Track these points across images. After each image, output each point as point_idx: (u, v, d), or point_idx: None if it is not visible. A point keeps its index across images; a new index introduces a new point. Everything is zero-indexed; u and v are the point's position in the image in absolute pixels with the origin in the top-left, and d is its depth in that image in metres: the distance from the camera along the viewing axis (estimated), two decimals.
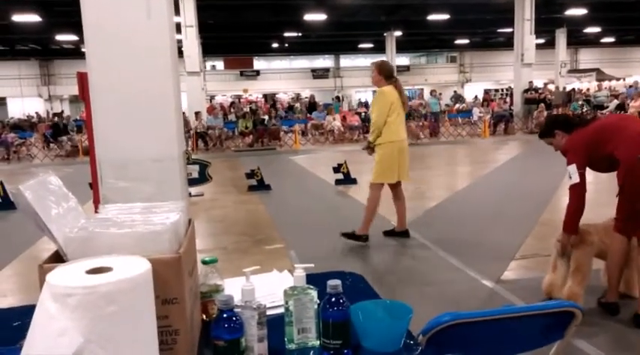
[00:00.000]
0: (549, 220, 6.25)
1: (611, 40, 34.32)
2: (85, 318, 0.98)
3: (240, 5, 20.67)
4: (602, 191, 7.80)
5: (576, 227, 3.62)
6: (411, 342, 1.41)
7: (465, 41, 33.72)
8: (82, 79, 3.69)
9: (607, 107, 20.05)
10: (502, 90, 35.55)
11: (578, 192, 3.54)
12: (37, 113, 29.18)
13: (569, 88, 24.40)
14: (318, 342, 1.38)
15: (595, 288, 3.84)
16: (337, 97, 26.19)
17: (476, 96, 32.36)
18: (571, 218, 3.60)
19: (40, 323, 1.01)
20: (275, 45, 32.68)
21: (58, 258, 1.26)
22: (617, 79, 30.78)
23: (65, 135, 18.03)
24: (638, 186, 3.44)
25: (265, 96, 36.54)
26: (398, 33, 27.73)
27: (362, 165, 7.81)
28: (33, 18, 18.94)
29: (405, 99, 5.62)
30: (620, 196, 3.55)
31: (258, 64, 38.54)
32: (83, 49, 2.93)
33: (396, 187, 5.69)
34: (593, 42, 35.05)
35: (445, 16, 23.01)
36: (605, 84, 28.45)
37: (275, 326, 1.41)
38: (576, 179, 3.52)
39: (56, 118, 20.61)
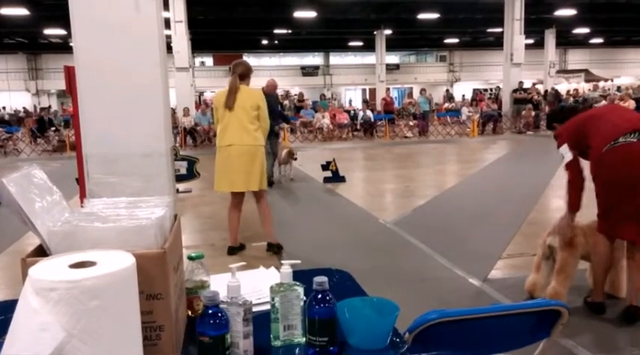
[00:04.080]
0: (537, 219, 6.29)
1: (599, 41, 34.60)
2: (68, 313, 0.97)
3: (230, 1, 20.59)
4: (590, 191, 7.87)
5: (579, 203, 3.59)
6: (397, 340, 1.41)
7: (455, 40, 33.86)
8: (70, 73, 3.67)
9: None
10: (490, 90, 35.71)
11: (573, 167, 3.57)
12: (24, 108, 28.90)
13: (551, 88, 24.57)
14: (304, 339, 1.38)
15: (580, 288, 3.87)
16: (324, 95, 26.16)
17: (463, 96, 32.52)
18: (572, 195, 3.60)
19: (22, 317, 0.99)
20: (265, 42, 32.63)
21: (41, 252, 1.25)
22: (606, 80, 31.06)
23: (50, 130, 17.87)
24: (606, 179, 3.45)
25: None
26: (388, 31, 27.80)
27: (351, 162, 7.82)
28: (21, 12, 18.76)
29: (230, 102, 4.87)
30: (595, 192, 3.57)
31: (248, 60, 38.21)
32: (71, 44, 2.90)
33: (255, 197, 5.18)
34: (581, 43, 35.33)
35: (435, 15, 23.08)
36: (601, 84, 28.71)
37: (261, 322, 1.40)
38: (569, 157, 3.55)
39: (42, 113, 20.43)
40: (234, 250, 5.27)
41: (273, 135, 8.47)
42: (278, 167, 9.64)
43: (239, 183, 4.94)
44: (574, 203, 3.61)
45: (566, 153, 3.57)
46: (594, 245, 3.63)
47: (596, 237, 3.61)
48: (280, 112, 9.98)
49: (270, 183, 8.29)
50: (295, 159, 9.64)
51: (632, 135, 3.35)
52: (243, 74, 5.06)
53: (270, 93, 8.07)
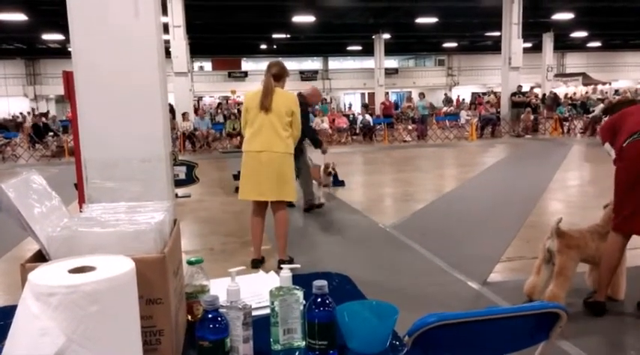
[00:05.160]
0: (535, 222, 6.29)
1: (597, 44, 34.69)
2: (68, 318, 0.97)
3: (229, 6, 20.63)
4: (589, 194, 7.89)
5: None
6: (396, 343, 1.41)
7: (453, 44, 33.95)
8: (68, 78, 3.67)
9: (593, 111, 20.26)
10: (488, 93, 35.75)
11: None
12: (21, 113, 28.89)
13: (552, 92, 24.65)
14: (304, 343, 1.38)
15: (580, 290, 3.87)
16: (325, 99, 26.22)
17: (463, 100, 32.58)
18: None
19: (22, 322, 1.00)
20: (263, 46, 32.69)
21: (40, 257, 1.25)
22: (603, 83, 31.14)
23: (49, 136, 17.86)
24: (623, 173, 3.51)
25: None
26: (386, 36, 27.85)
27: (350, 166, 7.81)
28: (19, 17, 18.78)
29: (267, 103, 4.48)
30: (614, 186, 3.62)
31: (247, 65, 38.50)
32: (69, 49, 2.90)
33: (272, 208, 4.78)
34: (579, 46, 35.43)
35: (433, 20, 23.15)
36: (599, 87, 28.80)
37: (261, 326, 1.40)
38: (614, 154, 3.65)
39: (43, 118, 20.41)
40: (258, 263, 4.84)
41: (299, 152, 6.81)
42: (319, 188, 8.08)
43: (270, 192, 4.57)
44: None
45: (610, 150, 3.68)
46: (607, 243, 3.63)
47: (609, 236, 3.63)
48: (311, 128, 7.80)
49: (314, 206, 7.38)
50: (330, 173, 8.10)
51: None
52: (278, 75, 4.65)
53: (314, 102, 7.39)
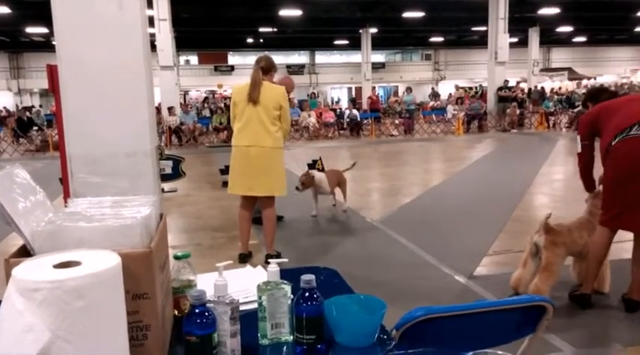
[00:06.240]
0: (522, 217, 6.34)
1: (582, 39, 34.92)
2: (52, 314, 0.96)
3: None
4: (574, 188, 7.95)
5: (589, 184, 3.86)
6: (384, 337, 1.41)
7: (440, 39, 34.01)
8: (52, 72, 3.62)
9: (578, 106, 20.43)
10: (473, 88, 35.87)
11: (580, 159, 3.82)
12: (5, 107, 28.52)
13: (539, 86, 24.81)
14: (292, 337, 1.37)
15: (565, 284, 3.91)
16: (314, 93, 26.18)
17: (450, 94, 32.66)
18: (582, 179, 3.89)
19: (6, 318, 0.98)
20: (250, 40, 32.52)
21: (25, 252, 1.23)
22: (588, 78, 31.34)
23: (32, 130, 17.66)
24: (613, 171, 3.53)
25: None
26: (373, 30, 27.86)
27: (337, 161, 7.80)
28: (2, 10, 18.52)
29: (255, 95, 4.46)
30: (602, 182, 3.67)
31: (233, 59, 38.29)
32: (53, 42, 2.86)
33: (260, 203, 4.77)
34: (565, 41, 35.63)
35: (420, 14, 23.19)
36: (584, 82, 29.00)
37: (248, 321, 1.40)
38: (578, 149, 3.76)
39: (20, 113, 20.13)
40: (246, 258, 4.79)
41: None
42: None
43: (259, 187, 4.55)
44: (586, 186, 3.88)
45: (578, 143, 3.76)
46: (594, 236, 3.66)
47: (596, 229, 3.66)
48: None
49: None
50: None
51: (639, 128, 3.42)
52: (266, 68, 4.60)
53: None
